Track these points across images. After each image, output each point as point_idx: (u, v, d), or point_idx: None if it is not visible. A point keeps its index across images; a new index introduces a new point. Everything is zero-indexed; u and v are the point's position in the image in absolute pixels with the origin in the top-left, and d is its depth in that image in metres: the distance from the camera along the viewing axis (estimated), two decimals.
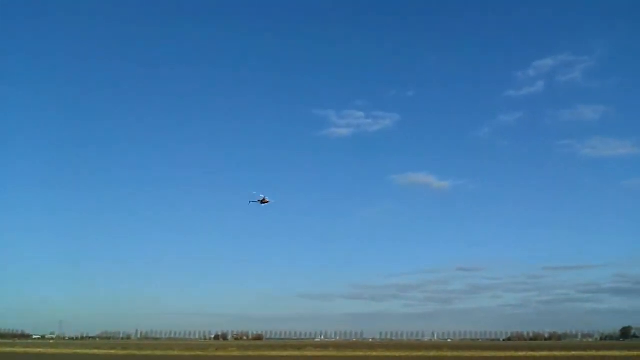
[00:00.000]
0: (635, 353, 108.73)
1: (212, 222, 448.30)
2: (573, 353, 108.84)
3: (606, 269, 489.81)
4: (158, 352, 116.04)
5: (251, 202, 39.56)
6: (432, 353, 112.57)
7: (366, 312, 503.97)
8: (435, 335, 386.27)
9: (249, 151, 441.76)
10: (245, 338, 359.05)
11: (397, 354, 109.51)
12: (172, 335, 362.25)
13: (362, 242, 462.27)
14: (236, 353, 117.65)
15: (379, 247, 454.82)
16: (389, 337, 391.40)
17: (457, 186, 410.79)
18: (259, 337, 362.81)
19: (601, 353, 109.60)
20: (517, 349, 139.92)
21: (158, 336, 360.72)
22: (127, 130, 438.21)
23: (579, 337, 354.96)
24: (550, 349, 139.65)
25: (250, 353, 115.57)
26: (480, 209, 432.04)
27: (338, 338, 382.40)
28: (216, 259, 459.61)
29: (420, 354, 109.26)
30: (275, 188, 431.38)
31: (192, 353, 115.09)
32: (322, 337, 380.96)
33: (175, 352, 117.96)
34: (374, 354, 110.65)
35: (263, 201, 42.40)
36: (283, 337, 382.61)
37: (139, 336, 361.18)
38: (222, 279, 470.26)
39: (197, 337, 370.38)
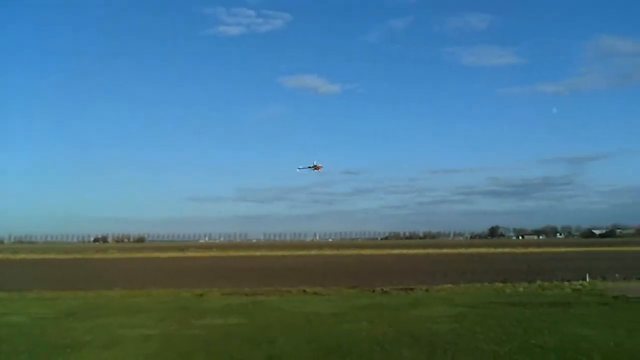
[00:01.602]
0: (500, 250, 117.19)
1: (95, 121, 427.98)
2: (444, 250, 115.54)
3: (480, 173, 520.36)
4: (34, 256, 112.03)
5: (301, 169, 36.20)
6: (313, 252, 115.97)
7: (251, 214, 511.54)
8: (317, 236, 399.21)
9: (129, 51, 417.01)
10: (126, 240, 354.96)
11: (278, 253, 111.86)
12: (49, 239, 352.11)
13: (249, 144, 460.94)
14: (116, 255, 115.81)
15: (266, 150, 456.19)
16: (272, 238, 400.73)
17: (347, 90, 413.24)
18: (140, 240, 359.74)
19: (470, 250, 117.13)
20: (392, 247, 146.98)
21: (34, 240, 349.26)
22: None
23: (451, 235, 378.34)
24: (424, 246, 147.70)
25: (131, 255, 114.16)
26: (368, 113, 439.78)
27: (223, 240, 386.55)
28: (98, 160, 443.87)
29: (301, 252, 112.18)
30: (161, 90, 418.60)
31: (70, 256, 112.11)
32: (207, 239, 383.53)
33: (52, 256, 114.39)
34: (257, 253, 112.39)
35: (316, 167, 38.79)
36: (167, 239, 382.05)
37: (12, 240, 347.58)
38: (103, 181, 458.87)
39: (75, 240, 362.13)
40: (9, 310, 21.90)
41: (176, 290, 30.54)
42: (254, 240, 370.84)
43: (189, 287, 32.74)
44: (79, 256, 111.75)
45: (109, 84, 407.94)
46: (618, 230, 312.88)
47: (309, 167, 31.54)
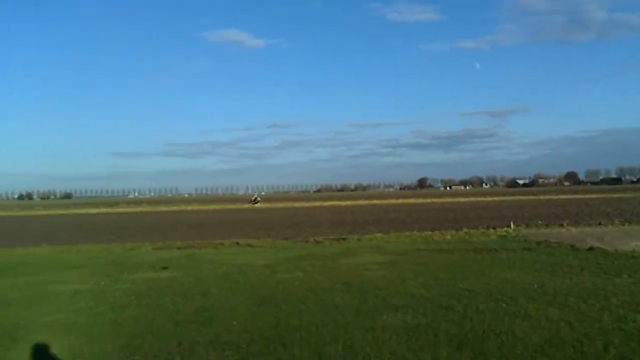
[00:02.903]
0: (428, 200, 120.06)
1: (15, 74, 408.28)
2: (375, 202, 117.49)
3: (405, 126, 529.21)
4: None
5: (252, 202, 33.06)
6: (246, 205, 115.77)
7: (181, 169, 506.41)
8: (249, 189, 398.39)
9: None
10: (52, 197, 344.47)
11: (210, 207, 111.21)
12: None
13: (175, 99, 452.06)
14: (42, 212, 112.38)
15: (193, 105, 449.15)
16: (204, 192, 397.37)
17: (271, 45, 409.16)
18: (67, 196, 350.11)
19: (399, 201, 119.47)
20: (325, 199, 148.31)
21: None
22: None
23: (381, 187, 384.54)
24: (355, 198, 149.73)
25: (58, 211, 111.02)
26: (294, 67, 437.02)
27: (153, 195, 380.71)
28: (20, 113, 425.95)
29: (234, 206, 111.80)
30: (82, 44, 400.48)
31: None
32: (136, 194, 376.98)
33: None
34: (188, 208, 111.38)
35: (254, 201, 35.13)
36: (95, 195, 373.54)
37: None
38: (24, 136, 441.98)
39: None
40: None
41: (107, 246, 30.00)
42: (186, 195, 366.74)
43: (120, 242, 32.24)
44: (2, 213, 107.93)
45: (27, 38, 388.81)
46: (540, 180, 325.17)
47: (252, 202, 30.34)
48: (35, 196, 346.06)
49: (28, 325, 10.98)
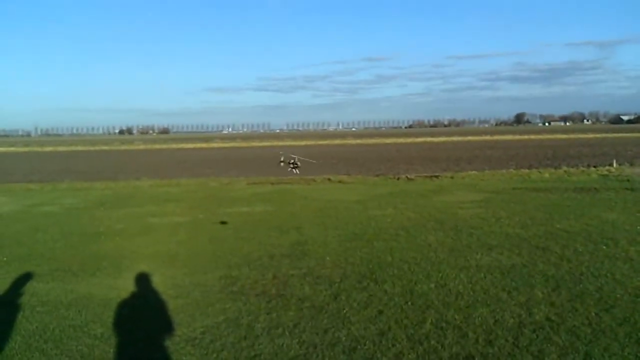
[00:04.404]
0: (525, 136, 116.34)
1: (116, 9, 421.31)
2: (469, 138, 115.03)
3: (506, 58, 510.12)
4: (61, 148, 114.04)
5: (282, 163, 31.67)
6: (337, 141, 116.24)
7: (273, 104, 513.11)
8: (341, 125, 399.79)
9: None
10: (151, 132, 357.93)
11: (302, 143, 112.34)
12: (75, 132, 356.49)
13: (268, 33, 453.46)
14: (142, 147, 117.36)
15: (286, 38, 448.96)
16: (295, 128, 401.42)
17: None
18: (165, 131, 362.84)
19: (495, 137, 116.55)
20: (417, 135, 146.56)
21: (60, 133, 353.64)
22: None
23: (476, 123, 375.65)
24: (448, 134, 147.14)
25: (157, 146, 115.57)
26: None
27: (246, 130, 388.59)
28: (117, 51, 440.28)
29: (324, 142, 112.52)
30: None
31: (97, 148, 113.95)
32: (230, 130, 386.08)
33: (79, 148, 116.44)
34: (280, 143, 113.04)
35: (293, 164, 32.97)
36: (190, 130, 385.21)
37: (39, 133, 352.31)
38: (124, 73, 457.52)
39: (100, 132, 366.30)
40: (42, 200, 22.47)
41: (204, 180, 30.98)
42: (277, 131, 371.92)
43: (216, 177, 33.21)
44: (105, 148, 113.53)
45: None
46: None
47: (289, 163, 28.80)
48: (135, 131, 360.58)
49: (132, 255, 11.60)
